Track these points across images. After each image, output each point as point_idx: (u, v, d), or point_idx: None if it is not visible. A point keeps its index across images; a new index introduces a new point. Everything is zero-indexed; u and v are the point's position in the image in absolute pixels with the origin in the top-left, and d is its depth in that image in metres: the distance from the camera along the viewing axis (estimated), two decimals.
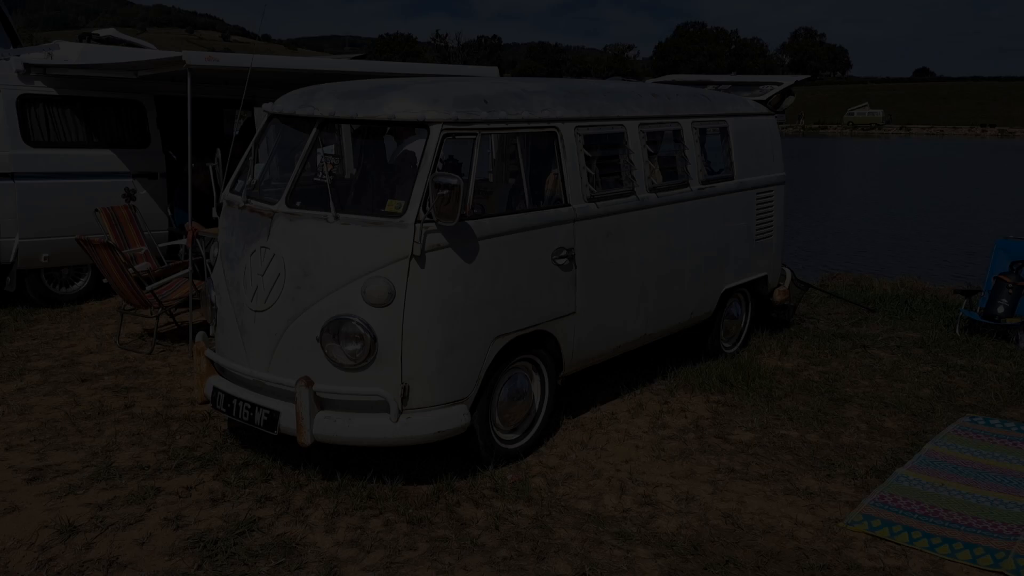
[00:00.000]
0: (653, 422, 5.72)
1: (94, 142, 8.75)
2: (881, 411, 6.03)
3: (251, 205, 4.91)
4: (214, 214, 5.42)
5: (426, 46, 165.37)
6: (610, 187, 5.57)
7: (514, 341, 4.91)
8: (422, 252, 4.40)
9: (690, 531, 4.29)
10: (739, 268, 6.96)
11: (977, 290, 8.38)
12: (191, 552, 3.98)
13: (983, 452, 5.27)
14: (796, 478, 4.92)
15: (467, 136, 4.70)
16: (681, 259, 6.21)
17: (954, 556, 4.06)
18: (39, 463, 4.91)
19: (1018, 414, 6.03)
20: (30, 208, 8.27)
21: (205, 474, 4.79)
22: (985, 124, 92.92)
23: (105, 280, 7.88)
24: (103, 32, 9.68)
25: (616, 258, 5.56)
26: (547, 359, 5.24)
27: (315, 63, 9.86)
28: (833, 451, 5.32)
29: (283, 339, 4.59)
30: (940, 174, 40.46)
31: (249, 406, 4.70)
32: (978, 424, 5.75)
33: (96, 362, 6.87)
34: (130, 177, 8.97)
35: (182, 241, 8.58)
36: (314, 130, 4.82)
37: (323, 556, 3.97)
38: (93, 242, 6.93)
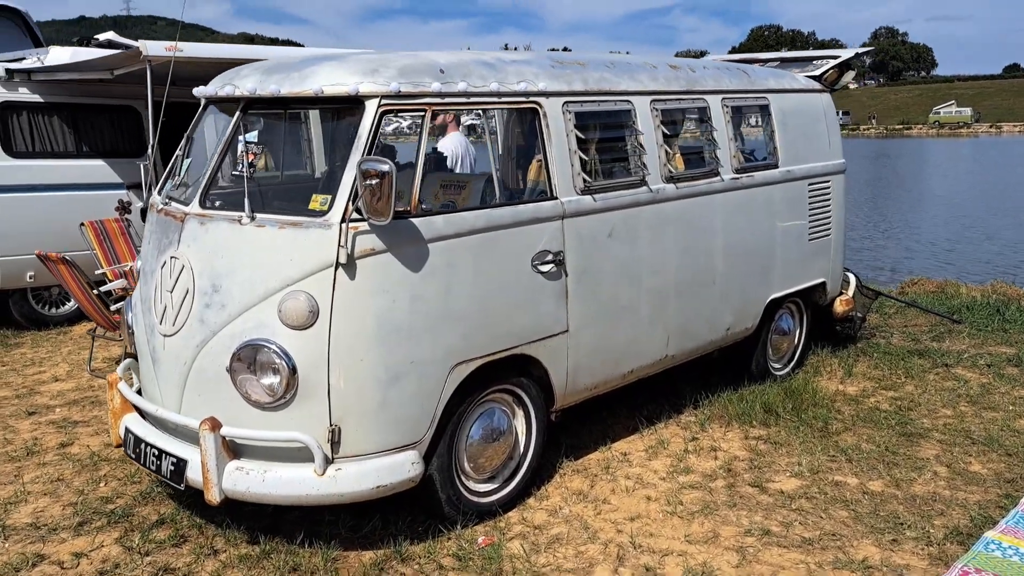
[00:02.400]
0: (674, 465, 4.65)
1: (84, 152, 8.13)
2: (966, 449, 4.82)
3: (167, 208, 4.06)
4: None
5: None
6: (613, 176, 4.55)
7: (484, 369, 3.92)
8: (350, 259, 3.46)
9: None
10: (789, 274, 5.82)
11: None
12: None
13: None
14: (851, 544, 3.79)
15: (413, 113, 3.76)
16: (710, 264, 5.13)
17: None
18: None
19: None
20: (12, 224, 7.65)
21: (107, 535, 3.92)
22: None
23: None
24: (102, 37, 9.10)
25: (622, 263, 4.53)
26: (532, 390, 4.23)
27: (301, 52, 9.03)
28: (902, 505, 4.16)
29: (193, 369, 3.71)
30: None
31: (156, 452, 3.82)
32: None
33: (56, 391, 6.14)
34: (125, 189, 8.31)
35: None
36: (237, 114, 3.95)
37: None
38: (51, 257, 6.22)
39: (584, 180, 4.29)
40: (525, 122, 4.25)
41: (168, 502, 4.22)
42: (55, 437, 5.21)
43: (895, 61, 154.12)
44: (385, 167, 3.33)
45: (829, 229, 6.16)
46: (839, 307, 6.41)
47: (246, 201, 3.67)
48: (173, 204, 4.02)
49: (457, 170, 6.54)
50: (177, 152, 4.37)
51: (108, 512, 4.14)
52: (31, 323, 8.00)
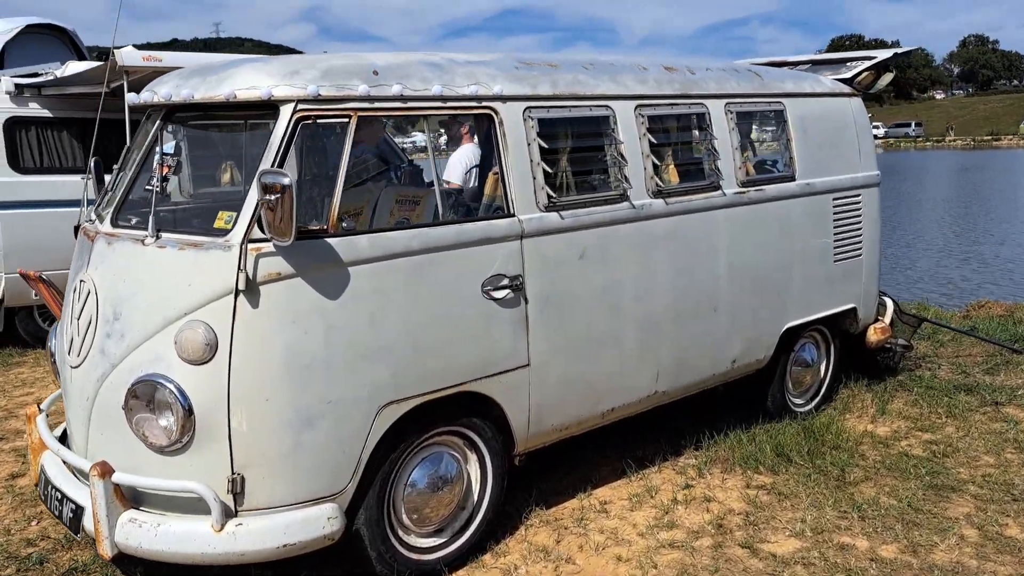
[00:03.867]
0: (658, 518, 4.09)
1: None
2: (1003, 508, 4.14)
3: (86, 227, 3.73)
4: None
5: None
6: (587, 191, 4.04)
7: (424, 409, 3.46)
8: (252, 284, 3.05)
9: None
10: (810, 299, 5.19)
11: None
12: None
13: None
14: None
15: (336, 120, 3.33)
16: (712, 288, 4.56)
17: None
18: None
19: None
20: (18, 240, 7.53)
21: None
22: None
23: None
24: (124, 51, 8.99)
25: (598, 288, 4.01)
26: (487, 432, 3.74)
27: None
28: None
29: (96, 405, 3.34)
30: None
31: (59, 496, 3.46)
32: None
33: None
34: None
35: None
36: (157, 122, 3.59)
37: None
38: (30, 276, 5.99)
39: (548, 195, 3.80)
40: (481, 131, 3.79)
41: (91, 549, 3.86)
42: (9, 467, 4.93)
43: (985, 70, 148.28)
44: (285, 180, 2.91)
45: (859, 249, 5.51)
46: (873, 336, 5.73)
47: (151, 219, 3.29)
48: (95, 223, 3.68)
49: (471, 184, 6.09)
50: (115, 166, 4.03)
51: (23, 557, 3.81)
52: (37, 342, 7.85)
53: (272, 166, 3.12)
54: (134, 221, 3.51)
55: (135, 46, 11.22)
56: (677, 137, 4.52)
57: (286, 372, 3.11)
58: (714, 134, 4.57)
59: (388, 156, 8.79)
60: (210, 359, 3.07)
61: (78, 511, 3.32)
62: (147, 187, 3.52)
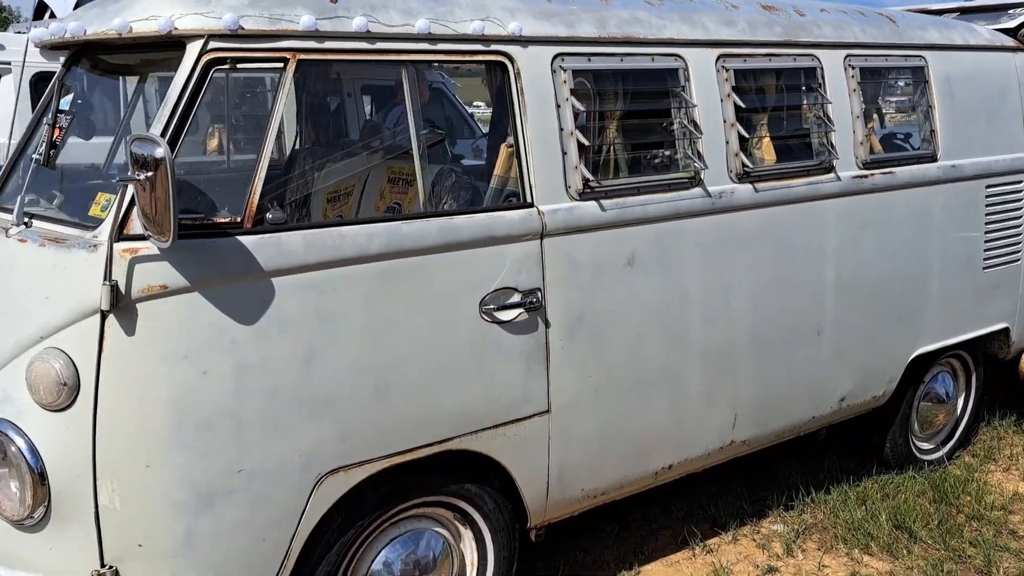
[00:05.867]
0: None
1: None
2: None
3: None
4: None
5: None
6: (640, 172, 2.95)
7: (389, 475, 2.47)
8: (122, 300, 2.10)
9: None
10: (949, 317, 3.94)
11: None
12: None
13: None
14: None
15: (267, 64, 2.34)
16: (814, 305, 3.40)
17: None
18: None
19: None
20: None
21: None
22: None
23: None
24: None
25: (652, 305, 2.92)
26: (487, 503, 2.73)
27: None
28: None
29: None
30: None
31: None
32: None
33: None
34: None
35: None
36: (60, 69, 2.70)
37: None
38: None
39: (585, 178, 2.72)
40: (494, 85, 2.73)
41: None
42: None
43: None
44: (158, 151, 1.94)
45: (1018, 252, 4.20)
46: None
47: (19, 200, 2.39)
48: None
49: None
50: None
51: None
52: None
53: (167, 127, 2.16)
54: (28, 201, 2.62)
55: None
56: (775, 100, 3.33)
57: (175, 429, 2.16)
58: (827, 96, 3.37)
59: (452, 119, 7.76)
60: (68, 405, 2.15)
61: None
62: (35, 155, 2.62)
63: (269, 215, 2.24)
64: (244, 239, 2.18)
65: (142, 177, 1.96)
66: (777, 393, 3.36)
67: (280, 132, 4.17)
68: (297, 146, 3.84)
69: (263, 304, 2.22)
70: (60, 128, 2.59)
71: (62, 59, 2.73)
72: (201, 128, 3.87)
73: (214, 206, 2.35)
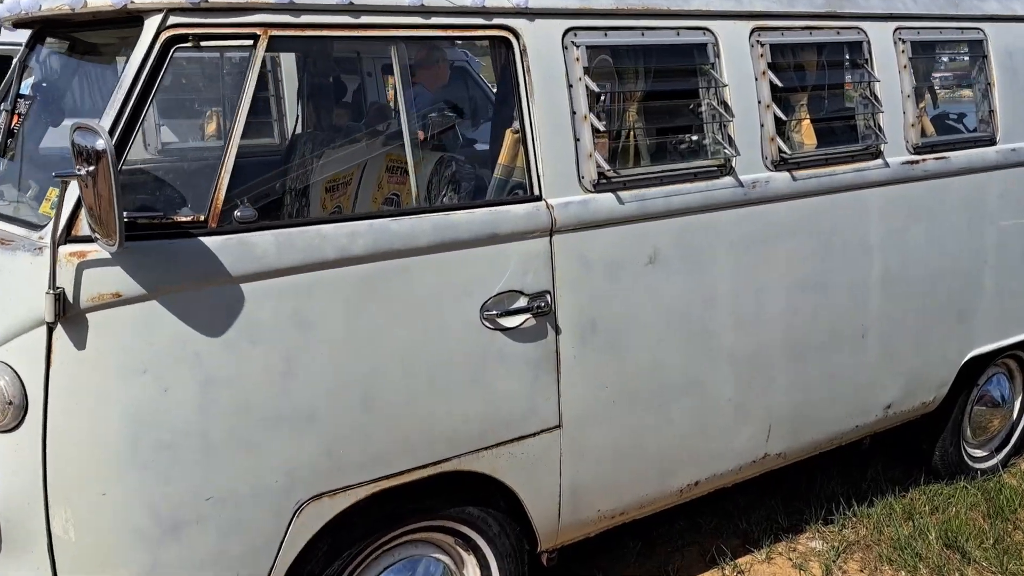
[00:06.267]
0: None
1: None
2: None
3: None
4: None
5: None
6: (663, 160, 2.66)
7: (379, 500, 2.23)
8: (72, 309, 1.87)
9: None
10: (1006, 314, 3.60)
11: None
12: None
13: None
14: None
15: (235, 42, 2.08)
16: (857, 305, 3.08)
17: None
18: None
19: None
20: None
21: None
22: None
23: None
24: None
25: (676, 308, 2.63)
26: (491, 527, 2.47)
27: None
28: None
29: None
30: None
31: None
32: None
33: None
34: None
35: None
36: (23, 49, 2.47)
37: None
38: None
39: (600, 167, 2.43)
40: (497, 64, 2.46)
41: None
42: None
43: None
44: (99, 143, 1.70)
45: None
46: None
47: None
48: None
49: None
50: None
51: None
52: None
53: (121, 113, 1.91)
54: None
55: None
56: (816, 78, 3.01)
57: (133, 452, 1.93)
58: (875, 74, 3.04)
59: (476, 100, 7.43)
60: (15, 426, 1.93)
61: None
62: None
63: (237, 212, 1.99)
64: (208, 240, 1.94)
65: (83, 172, 1.72)
66: (816, 402, 3.06)
67: (282, 116, 3.94)
68: (299, 130, 3.60)
69: (231, 312, 1.97)
70: (19, 115, 2.36)
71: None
72: (182, 112, 3.63)
73: (181, 201, 2.10)
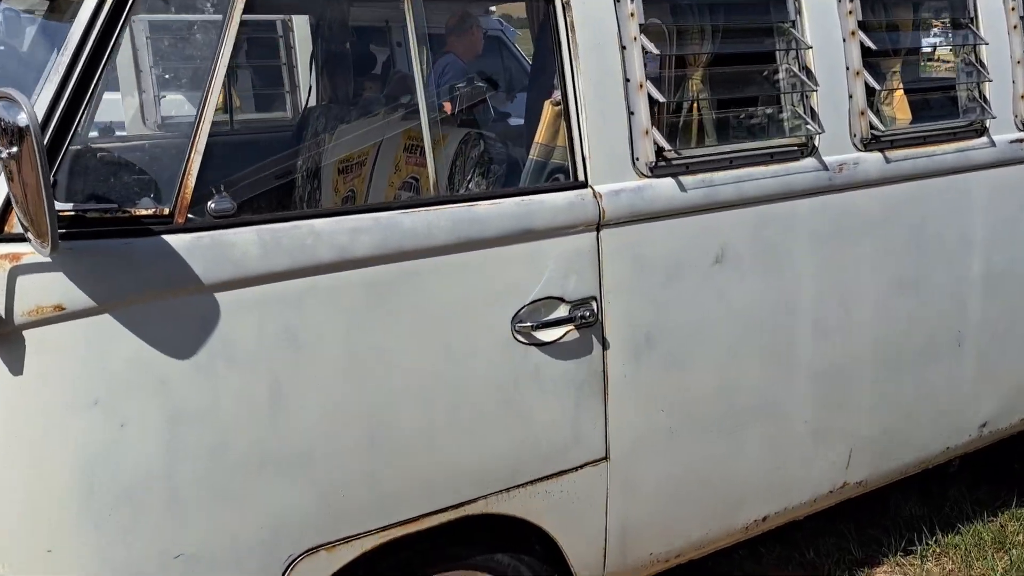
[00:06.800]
0: None
1: None
2: None
3: None
4: None
5: None
6: (732, 138, 2.23)
7: (389, 550, 1.85)
8: (5, 325, 1.49)
9: None
10: None
11: None
12: None
13: None
14: None
15: None
16: (954, 308, 2.63)
17: None
18: None
19: None
20: None
21: None
22: None
23: None
24: None
25: (749, 316, 2.21)
26: (524, 573, 2.08)
27: None
28: None
29: None
30: None
31: None
32: None
33: None
34: None
35: None
36: None
37: None
38: None
39: (659, 146, 2.01)
40: (534, 23, 2.04)
41: None
42: None
43: None
44: (21, 118, 1.32)
45: None
46: None
47: None
48: None
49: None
50: None
51: None
52: None
53: (68, 80, 1.53)
54: None
55: None
56: (912, 39, 2.55)
57: (85, 502, 1.57)
58: (980, 33, 2.57)
59: (512, 70, 6.97)
60: None
61: None
62: None
63: (211, 204, 1.60)
64: (173, 239, 1.56)
65: (4, 154, 1.34)
66: (904, 421, 2.63)
67: (295, 87, 3.55)
68: (312, 103, 3.22)
69: (204, 329, 1.59)
70: None
71: None
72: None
73: (144, 190, 1.72)
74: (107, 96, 3.05)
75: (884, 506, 3.28)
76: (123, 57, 3.06)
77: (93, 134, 2.84)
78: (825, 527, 3.15)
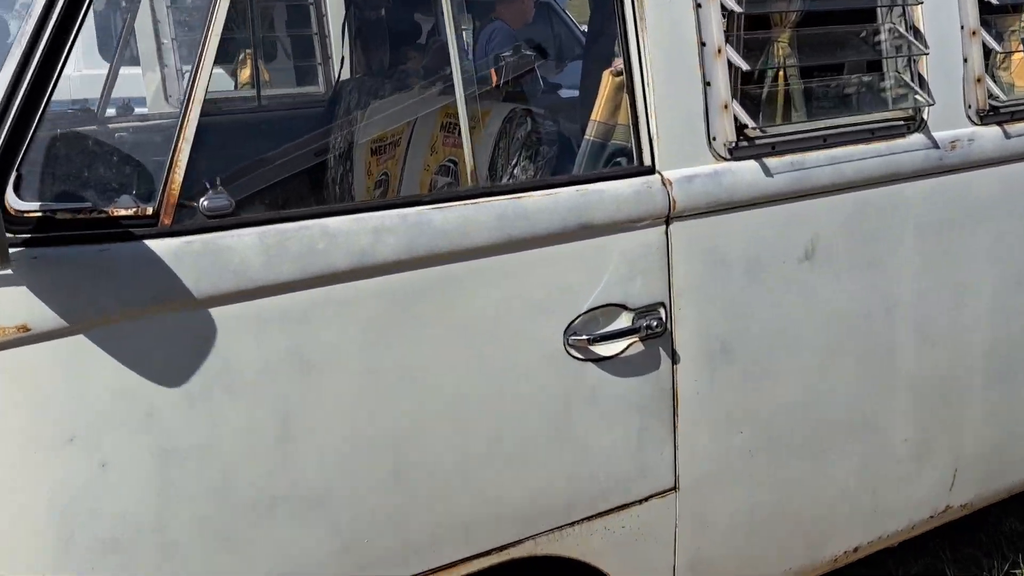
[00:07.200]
0: None
1: None
2: None
3: None
4: None
5: None
6: (824, 112, 1.90)
7: None
8: None
9: None
10: None
11: None
12: None
13: None
14: None
15: None
16: None
17: None
18: None
19: None
20: None
21: None
22: None
23: None
24: None
25: (841, 320, 1.89)
26: None
27: None
28: None
29: None
30: None
31: None
32: None
33: None
34: None
35: None
36: None
37: None
38: None
39: (741, 123, 1.69)
40: None
41: None
42: None
43: None
44: None
45: None
46: None
47: None
48: None
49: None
50: None
51: None
52: None
53: (31, 55, 1.27)
54: None
55: None
56: None
57: (63, 553, 1.33)
58: None
59: (562, 38, 6.63)
60: None
61: None
62: None
63: (204, 202, 1.33)
64: (158, 244, 1.30)
65: None
66: (1017, 436, 2.28)
67: (327, 59, 3.28)
68: (345, 76, 2.95)
69: (198, 351, 1.34)
70: None
71: None
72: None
73: (127, 186, 1.46)
74: (125, 71, 2.83)
75: (981, 521, 2.93)
76: (143, 29, 2.82)
77: (110, 112, 2.62)
78: (917, 545, 2.81)
